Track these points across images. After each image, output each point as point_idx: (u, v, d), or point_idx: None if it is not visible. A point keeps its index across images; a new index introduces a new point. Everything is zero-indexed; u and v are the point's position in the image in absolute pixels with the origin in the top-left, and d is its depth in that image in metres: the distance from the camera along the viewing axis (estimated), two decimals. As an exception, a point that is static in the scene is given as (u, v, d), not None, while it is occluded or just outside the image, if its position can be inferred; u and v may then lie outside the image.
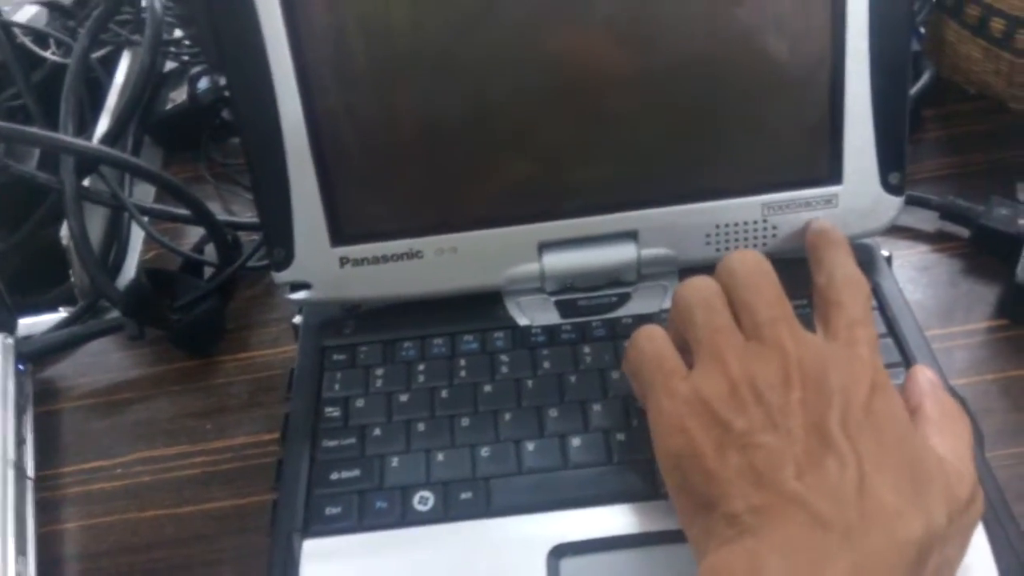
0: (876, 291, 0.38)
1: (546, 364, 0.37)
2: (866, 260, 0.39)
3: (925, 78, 0.50)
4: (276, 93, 0.35)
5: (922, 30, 0.56)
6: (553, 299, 0.39)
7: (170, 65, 0.59)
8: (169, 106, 0.57)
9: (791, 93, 0.36)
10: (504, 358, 0.37)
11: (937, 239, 0.46)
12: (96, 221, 0.50)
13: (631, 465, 0.33)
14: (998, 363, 0.40)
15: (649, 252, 0.38)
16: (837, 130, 0.36)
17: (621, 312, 0.39)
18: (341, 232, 0.37)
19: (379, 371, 0.37)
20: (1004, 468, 0.35)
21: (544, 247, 0.38)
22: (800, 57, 0.36)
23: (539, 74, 0.36)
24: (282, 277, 0.38)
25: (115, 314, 0.45)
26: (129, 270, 0.50)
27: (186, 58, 0.57)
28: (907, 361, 0.36)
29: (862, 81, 0.36)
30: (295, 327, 0.40)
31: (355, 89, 0.36)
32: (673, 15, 0.35)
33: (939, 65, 0.54)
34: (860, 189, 0.37)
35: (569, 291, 0.39)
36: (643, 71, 0.36)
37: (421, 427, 0.35)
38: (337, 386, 0.37)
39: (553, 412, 0.35)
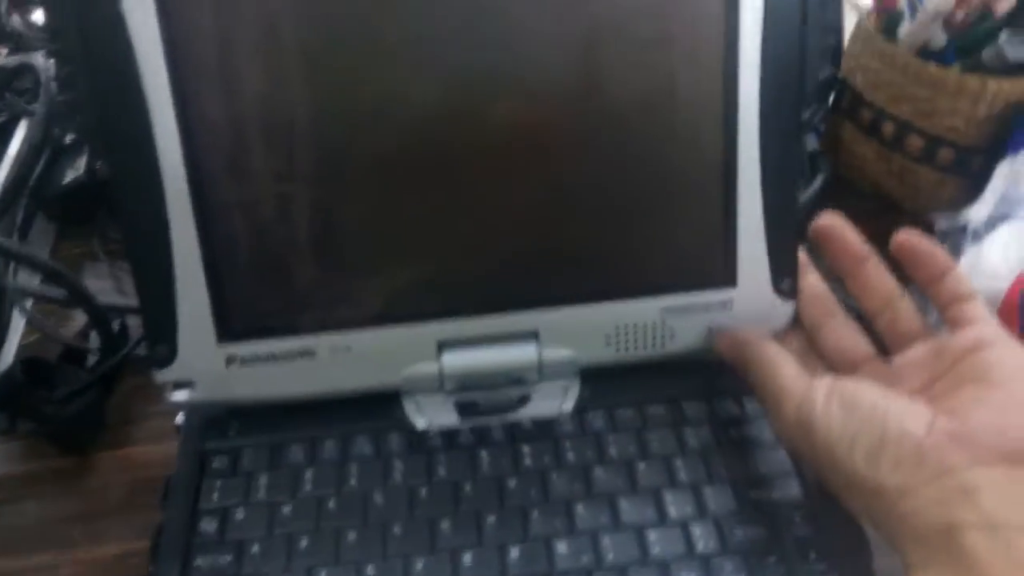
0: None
1: (441, 471, 0.36)
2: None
3: (820, 178, 0.52)
4: (164, 185, 0.34)
5: (820, 128, 0.59)
6: (453, 399, 0.38)
7: (70, 138, 0.56)
8: (67, 179, 0.55)
9: (686, 201, 0.37)
10: (398, 463, 0.36)
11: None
12: (-27, 302, 0.47)
13: (524, 582, 0.32)
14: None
15: (550, 352, 0.38)
16: (731, 236, 0.37)
17: (521, 414, 0.38)
18: (229, 328, 0.36)
19: (263, 478, 0.35)
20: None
21: (443, 346, 0.37)
22: (693, 165, 0.36)
23: (437, 174, 0.35)
24: (163, 376, 0.36)
25: (-15, 405, 0.42)
26: (7, 355, 0.47)
27: (86, 130, 0.55)
28: (798, 470, 0.36)
29: (753, 191, 0.36)
30: (177, 428, 0.38)
31: (248, 183, 0.35)
32: (571, 121, 0.35)
33: (836, 163, 0.57)
34: (754, 293, 0.38)
35: (469, 391, 0.39)
36: (541, 174, 0.36)
37: (304, 542, 0.33)
38: (216, 495, 0.35)
39: (446, 524, 0.34)
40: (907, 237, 0.35)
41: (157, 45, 0.32)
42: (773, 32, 0.35)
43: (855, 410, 0.30)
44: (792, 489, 0.35)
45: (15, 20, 0.62)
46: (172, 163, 0.34)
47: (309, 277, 0.36)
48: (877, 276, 0.36)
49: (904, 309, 0.35)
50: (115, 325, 0.45)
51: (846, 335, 0.36)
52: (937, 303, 0.34)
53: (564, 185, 0.36)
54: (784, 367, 0.33)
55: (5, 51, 0.61)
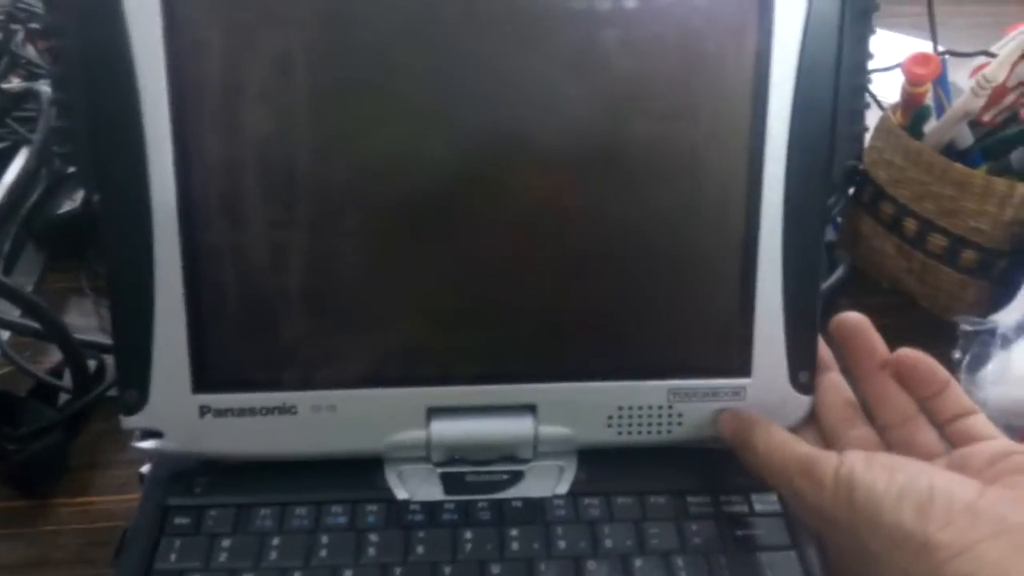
0: (781, 495, 0.36)
1: (420, 549, 0.33)
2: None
3: (840, 271, 0.50)
4: (154, 223, 0.32)
5: (839, 220, 0.58)
6: (439, 471, 0.36)
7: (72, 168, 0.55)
8: (62, 210, 0.53)
9: (703, 282, 0.35)
10: (373, 537, 0.33)
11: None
12: (-53, 328, 0.45)
13: None
14: None
15: (547, 429, 0.35)
16: (747, 324, 0.35)
17: (511, 492, 0.35)
18: (206, 377, 0.33)
19: (226, 542, 0.32)
20: None
21: (433, 413, 0.35)
22: (713, 249, 0.35)
23: (440, 236, 0.34)
24: (130, 422, 0.33)
25: (-58, 438, 0.39)
26: (-26, 387, 0.44)
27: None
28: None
29: (774, 279, 0.35)
30: (141, 477, 0.35)
31: (240, 229, 0.33)
32: (586, 192, 0.34)
33: (854, 256, 0.55)
34: (769, 384, 0.36)
35: (457, 463, 0.36)
36: (551, 243, 0.34)
37: (262, 618, 0.30)
38: (173, 556, 0.32)
39: (418, 612, 0.31)
40: (907, 353, 0.34)
41: (161, 80, 0.31)
42: (802, 115, 0.34)
43: (900, 470, 0.28)
44: (801, 601, 0.32)
45: (29, 50, 0.61)
46: (164, 202, 0.32)
47: (296, 331, 0.34)
48: (896, 388, 0.34)
49: (921, 426, 0.33)
50: (93, 364, 0.43)
51: (869, 448, 0.34)
52: (938, 419, 0.33)
53: (574, 257, 0.35)
54: (802, 443, 0.32)
55: (18, 80, 0.61)
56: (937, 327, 0.50)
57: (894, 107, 0.53)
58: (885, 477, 0.28)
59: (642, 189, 0.34)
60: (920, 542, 0.26)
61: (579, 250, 0.35)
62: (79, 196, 0.53)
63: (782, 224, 0.34)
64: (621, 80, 0.33)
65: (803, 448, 0.32)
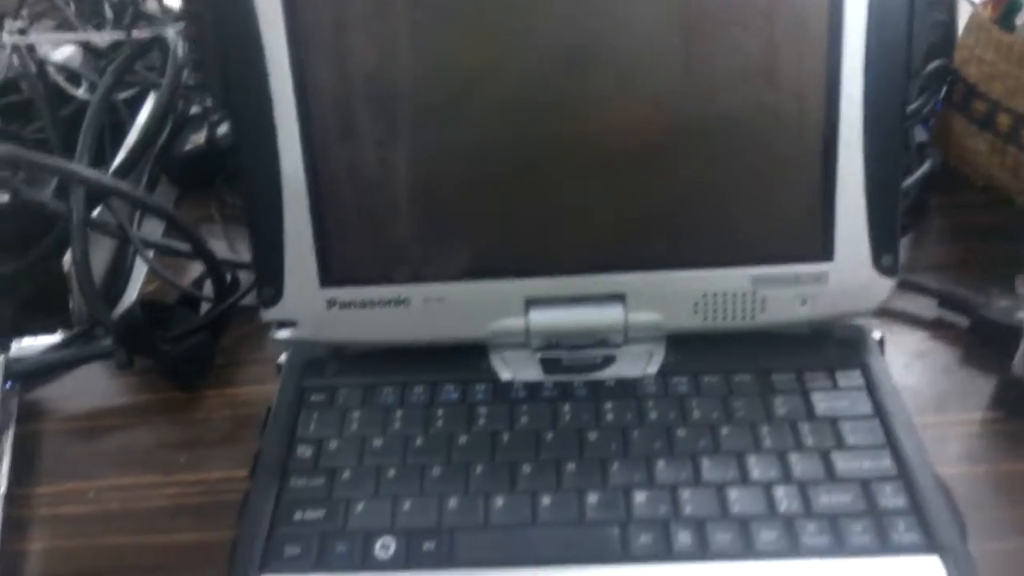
0: (865, 371, 0.38)
1: (524, 420, 0.36)
2: (856, 340, 0.39)
3: (926, 166, 0.50)
4: (278, 138, 0.36)
5: (930, 122, 0.57)
6: (538, 355, 0.39)
7: (195, 109, 0.61)
8: (189, 147, 0.59)
9: (785, 170, 0.37)
10: (482, 410, 0.37)
11: (935, 327, 0.45)
12: (103, 251, 0.51)
13: (601, 527, 0.32)
14: (990, 455, 0.39)
15: (636, 316, 0.38)
16: (829, 209, 0.37)
17: (605, 374, 0.38)
18: (330, 274, 0.38)
19: (356, 414, 0.37)
20: (985, 563, 0.33)
21: (531, 303, 0.38)
22: (794, 137, 0.36)
23: (536, 137, 0.37)
24: (269, 314, 0.38)
25: (108, 342, 0.46)
26: (129, 300, 0.51)
27: (208, 103, 0.59)
28: (892, 443, 0.35)
29: (855, 163, 0.36)
30: (279, 367, 0.40)
31: (354, 143, 0.37)
32: (670, 92, 0.36)
33: (947, 155, 0.55)
34: (851, 268, 0.37)
35: (554, 348, 0.39)
36: (637, 140, 0.37)
37: (391, 473, 0.34)
38: (312, 426, 0.37)
39: (526, 468, 0.34)
40: None
41: (279, 16, 0.35)
42: (879, 3, 0.35)
43: None
44: (884, 460, 0.34)
45: (151, 5, 0.67)
46: (287, 123, 0.36)
47: (407, 231, 0.38)
48: None
49: None
50: (227, 278, 0.48)
51: None
52: None
53: (659, 151, 0.37)
54: None
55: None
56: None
57: (984, 3, 0.52)
58: None
59: (724, 86, 0.36)
60: None
61: (663, 146, 0.37)
62: (203, 136, 0.58)
63: (862, 111, 0.36)
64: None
65: None
